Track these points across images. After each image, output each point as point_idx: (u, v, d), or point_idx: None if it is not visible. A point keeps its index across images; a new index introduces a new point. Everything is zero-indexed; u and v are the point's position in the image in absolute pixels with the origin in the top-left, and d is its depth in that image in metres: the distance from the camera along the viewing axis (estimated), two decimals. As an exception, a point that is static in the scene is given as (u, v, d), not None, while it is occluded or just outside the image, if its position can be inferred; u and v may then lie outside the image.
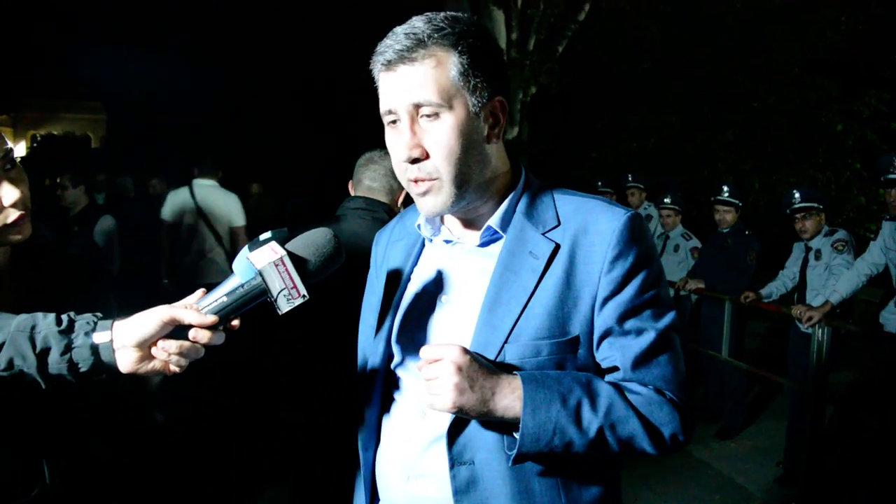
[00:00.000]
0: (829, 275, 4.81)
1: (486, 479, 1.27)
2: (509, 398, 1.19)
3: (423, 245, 1.47)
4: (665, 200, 6.59)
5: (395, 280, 1.47)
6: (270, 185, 11.68)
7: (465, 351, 1.20)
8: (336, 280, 1.31)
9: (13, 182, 1.41)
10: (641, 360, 1.25)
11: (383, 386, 1.44)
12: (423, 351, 1.23)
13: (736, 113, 11.69)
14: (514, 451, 1.20)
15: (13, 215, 1.41)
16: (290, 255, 1.20)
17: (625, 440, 1.21)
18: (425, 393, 1.22)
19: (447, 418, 1.28)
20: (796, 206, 4.97)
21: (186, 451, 4.09)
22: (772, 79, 11.60)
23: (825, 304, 4.54)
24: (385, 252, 1.55)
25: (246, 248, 1.21)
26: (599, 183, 7.93)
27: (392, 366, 1.44)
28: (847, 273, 4.62)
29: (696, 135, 11.95)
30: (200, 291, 1.26)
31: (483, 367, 1.20)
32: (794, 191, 5.06)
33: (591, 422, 1.19)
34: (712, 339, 5.78)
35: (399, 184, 2.70)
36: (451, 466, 1.27)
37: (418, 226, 1.43)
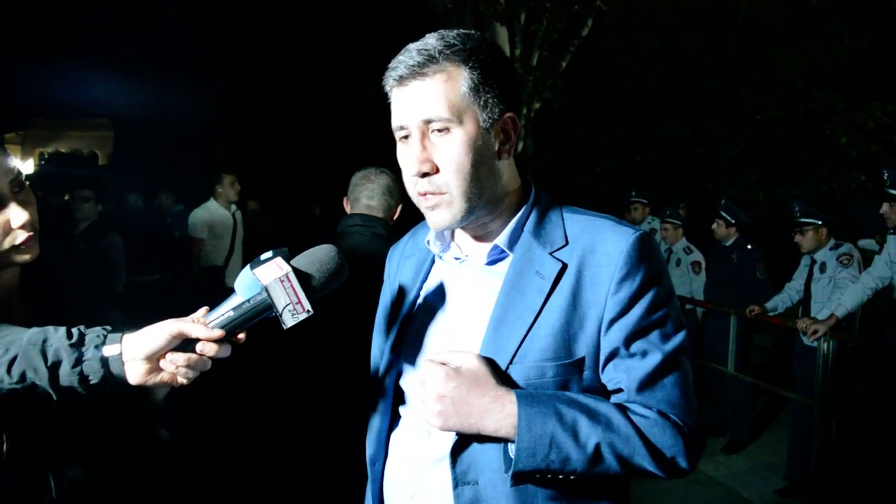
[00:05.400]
0: (833, 288, 4.80)
1: (489, 500, 1.25)
2: (498, 417, 1.18)
3: (433, 261, 1.47)
4: (667, 214, 6.61)
5: (406, 296, 1.47)
6: (271, 201, 11.74)
7: (454, 374, 1.21)
8: (339, 294, 1.33)
9: (22, 204, 1.45)
10: (646, 383, 1.23)
11: (392, 401, 1.45)
12: (416, 374, 1.25)
13: (740, 126, 11.71)
14: (512, 468, 1.18)
15: (21, 236, 1.45)
16: (295, 270, 1.22)
17: (626, 459, 1.18)
18: (422, 412, 1.26)
19: (451, 438, 1.27)
20: (795, 219, 4.99)
21: (192, 468, 4.09)
22: (776, 92, 11.62)
23: (830, 317, 4.54)
24: (397, 267, 1.55)
25: (249, 265, 1.24)
26: (634, 192, 7.74)
27: (400, 382, 1.44)
28: (853, 287, 4.61)
29: (699, 148, 11.96)
30: (205, 308, 1.29)
31: (474, 388, 1.20)
32: (795, 204, 5.07)
33: (590, 437, 1.17)
34: (718, 353, 5.78)
35: (396, 201, 2.76)
36: (455, 486, 1.26)
37: (428, 242, 1.43)
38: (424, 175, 1.26)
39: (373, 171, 2.76)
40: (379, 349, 1.50)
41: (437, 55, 1.23)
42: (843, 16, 11.16)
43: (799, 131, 11.62)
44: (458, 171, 1.25)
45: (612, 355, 1.24)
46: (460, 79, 1.24)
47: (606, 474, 1.19)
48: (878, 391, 5.45)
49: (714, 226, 5.87)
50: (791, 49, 11.48)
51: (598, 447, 1.17)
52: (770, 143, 11.73)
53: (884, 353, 4.75)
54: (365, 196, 2.73)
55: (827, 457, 4.63)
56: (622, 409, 1.22)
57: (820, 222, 4.92)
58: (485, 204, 1.30)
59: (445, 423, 1.21)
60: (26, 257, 1.48)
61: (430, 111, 1.23)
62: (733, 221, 5.77)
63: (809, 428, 4.67)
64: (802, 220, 4.95)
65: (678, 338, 1.26)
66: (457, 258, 1.40)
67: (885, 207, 4.45)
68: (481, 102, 1.25)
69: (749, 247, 5.73)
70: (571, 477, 1.19)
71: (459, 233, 1.41)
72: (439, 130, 1.24)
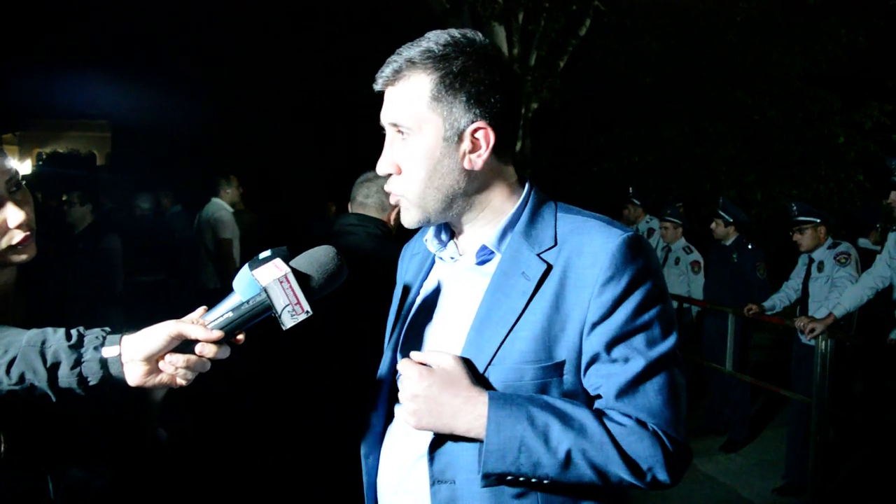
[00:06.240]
0: (831, 287, 4.80)
1: (465, 500, 1.24)
2: (469, 417, 1.18)
3: (434, 260, 1.47)
4: (666, 213, 6.61)
5: (408, 294, 1.49)
6: (256, 202, 11.73)
7: (427, 373, 1.22)
8: (333, 292, 1.33)
9: (18, 204, 1.45)
10: (625, 390, 1.19)
11: (388, 398, 1.46)
12: (398, 374, 1.27)
13: (737, 126, 11.72)
14: (481, 470, 1.18)
15: (18, 236, 1.45)
16: (294, 271, 1.22)
17: (599, 467, 1.16)
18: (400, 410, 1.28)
19: (429, 436, 1.27)
20: (793, 219, 4.99)
21: (191, 468, 4.09)
22: (773, 92, 11.63)
23: (828, 316, 4.52)
24: (407, 265, 1.57)
25: (247, 265, 1.23)
26: (631, 191, 7.78)
27: (397, 378, 1.45)
28: (853, 286, 4.59)
29: (697, 148, 11.97)
30: (203, 308, 1.29)
31: (447, 388, 1.20)
32: (793, 203, 5.07)
33: (561, 442, 1.15)
34: (716, 352, 5.78)
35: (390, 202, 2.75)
36: (432, 484, 1.26)
37: (426, 240, 1.44)
38: (389, 175, 1.31)
39: (372, 172, 2.77)
40: (385, 344, 1.51)
41: (405, 62, 1.25)
42: (840, 15, 11.18)
43: (796, 131, 11.65)
44: (412, 177, 1.28)
45: (594, 360, 1.21)
46: (423, 87, 1.24)
47: (581, 482, 1.17)
48: (876, 390, 5.46)
49: (713, 225, 5.89)
50: (788, 49, 11.50)
51: (569, 453, 1.15)
52: (767, 143, 11.75)
53: (883, 352, 4.75)
54: (361, 195, 2.75)
55: (825, 455, 4.64)
56: (599, 415, 1.19)
57: (818, 221, 4.92)
58: (446, 208, 1.31)
59: (419, 422, 1.23)
60: (23, 257, 1.48)
61: (393, 116, 1.27)
62: (731, 221, 5.78)
63: (808, 427, 4.68)
64: (800, 218, 4.95)
65: (665, 344, 1.21)
66: (452, 257, 1.40)
67: (893, 196, 4.43)
68: (444, 112, 1.24)
69: (750, 246, 5.73)
70: (545, 482, 1.18)
71: (457, 231, 1.41)
72: (401, 135, 1.28)
